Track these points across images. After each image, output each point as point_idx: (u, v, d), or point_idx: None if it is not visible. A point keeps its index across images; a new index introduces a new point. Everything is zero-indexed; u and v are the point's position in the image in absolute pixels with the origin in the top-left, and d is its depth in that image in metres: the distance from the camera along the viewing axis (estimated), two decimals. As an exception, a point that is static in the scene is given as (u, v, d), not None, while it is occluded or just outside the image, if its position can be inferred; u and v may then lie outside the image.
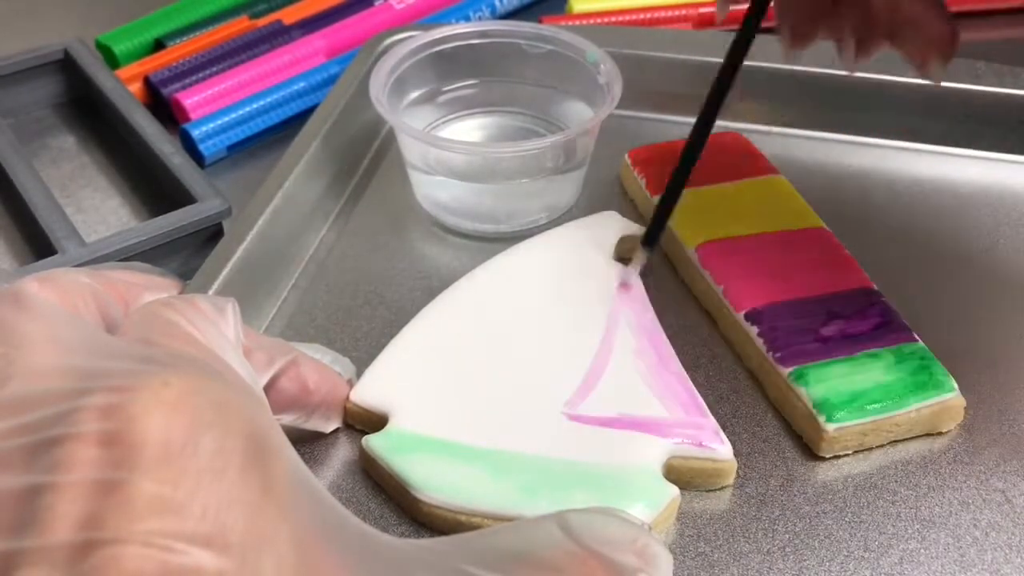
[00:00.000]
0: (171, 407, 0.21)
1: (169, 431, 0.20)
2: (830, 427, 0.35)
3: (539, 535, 0.23)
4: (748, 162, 0.45)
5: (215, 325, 0.27)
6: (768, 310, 0.38)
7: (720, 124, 0.50)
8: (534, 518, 0.24)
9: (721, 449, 0.34)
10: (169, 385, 0.21)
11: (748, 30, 0.37)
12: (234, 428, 0.21)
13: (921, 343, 0.37)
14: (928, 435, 0.36)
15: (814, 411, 0.35)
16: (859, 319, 0.38)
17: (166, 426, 0.20)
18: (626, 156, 0.46)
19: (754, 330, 0.38)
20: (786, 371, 0.36)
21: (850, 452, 0.36)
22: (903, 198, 0.47)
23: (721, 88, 0.38)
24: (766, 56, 0.49)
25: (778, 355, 0.37)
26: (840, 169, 0.48)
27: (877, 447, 0.36)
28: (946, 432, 0.36)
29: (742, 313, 0.38)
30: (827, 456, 0.36)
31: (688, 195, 0.44)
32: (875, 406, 0.35)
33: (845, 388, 0.35)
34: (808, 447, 0.36)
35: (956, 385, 0.36)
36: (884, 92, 0.49)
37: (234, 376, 0.25)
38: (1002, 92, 0.48)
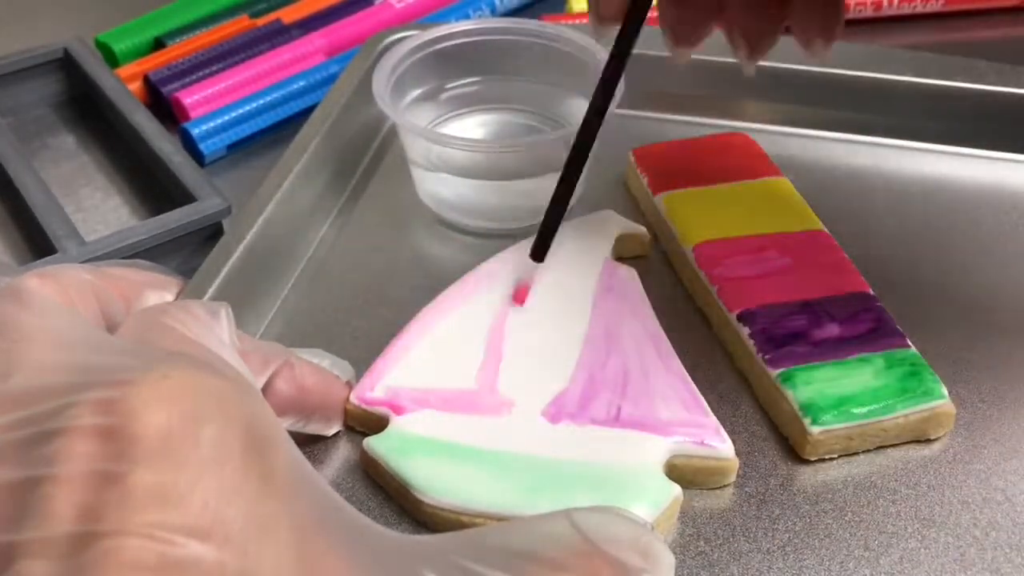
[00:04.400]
0: (170, 400, 0.21)
1: (169, 423, 0.20)
2: (815, 430, 0.35)
3: (543, 532, 0.23)
4: (752, 163, 0.45)
5: (210, 328, 0.27)
6: (761, 312, 0.38)
7: (724, 124, 0.50)
8: (539, 516, 0.24)
9: (723, 448, 0.34)
10: (168, 378, 0.21)
11: (627, 42, 0.35)
12: (233, 420, 0.21)
13: (913, 349, 0.37)
14: (917, 441, 0.36)
15: (800, 413, 0.35)
16: (852, 323, 0.38)
17: (166, 418, 0.20)
18: (630, 154, 0.46)
19: (745, 331, 0.38)
20: (774, 372, 0.36)
21: (836, 456, 0.35)
22: (903, 197, 0.47)
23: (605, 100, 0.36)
24: (768, 56, 0.49)
25: (767, 356, 0.37)
26: (840, 168, 0.48)
27: (875, 449, 0.36)
28: (936, 439, 0.36)
29: (735, 314, 0.38)
30: (812, 459, 0.35)
31: (690, 195, 0.44)
32: (861, 411, 0.35)
33: (832, 392, 0.35)
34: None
35: (946, 392, 0.36)
36: (884, 92, 0.49)
37: (232, 371, 0.25)
38: (1003, 91, 0.48)
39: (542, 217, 0.44)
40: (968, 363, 0.39)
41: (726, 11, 0.34)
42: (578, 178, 0.38)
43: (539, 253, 0.39)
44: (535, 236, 0.39)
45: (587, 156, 0.37)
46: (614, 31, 0.35)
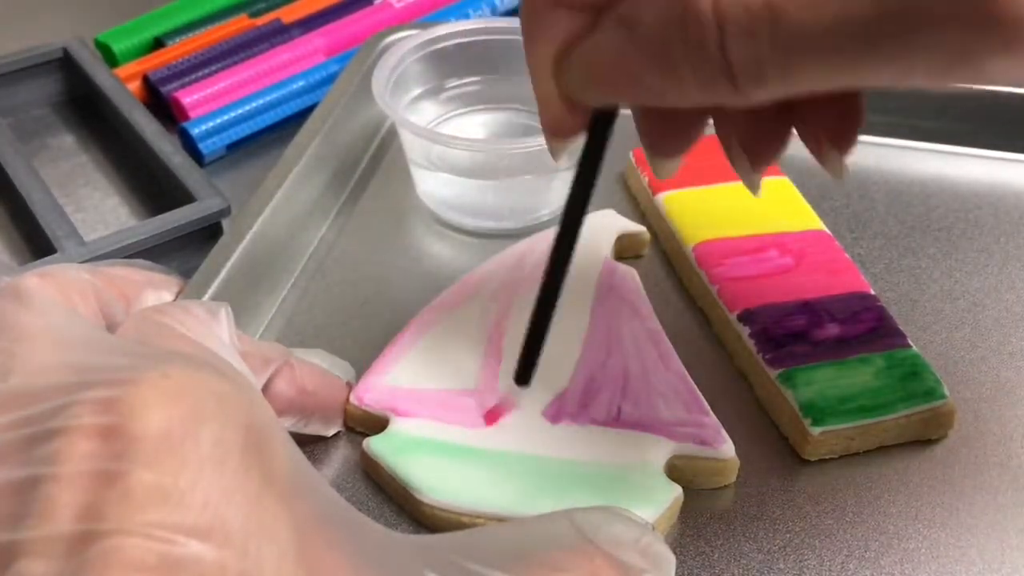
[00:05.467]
0: (170, 399, 0.21)
1: (169, 423, 0.20)
2: (815, 431, 0.35)
3: (543, 532, 0.23)
4: (751, 162, 0.45)
5: (209, 328, 0.27)
6: (760, 312, 0.38)
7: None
8: (539, 516, 0.24)
9: (723, 448, 0.34)
10: (168, 377, 0.21)
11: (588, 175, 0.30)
12: (234, 419, 0.21)
13: (914, 349, 0.37)
14: (918, 441, 0.36)
15: (800, 414, 0.35)
16: (853, 323, 0.38)
17: (166, 418, 0.20)
18: (630, 154, 0.46)
19: (745, 331, 0.38)
20: (774, 373, 0.36)
21: (836, 456, 0.35)
22: (903, 197, 0.47)
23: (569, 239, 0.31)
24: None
25: (768, 356, 0.37)
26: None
27: (875, 448, 0.36)
28: (936, 439, 0.36)
29: (735, 314, 0.38)
30: (812, 459, 0.35)
31: (690, 195, 0.44)
32: (862, 411, 0.35)
33: (832, 392, 0.35)
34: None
35: (947, 393, 0.35)
36: (885, 91, 0.49)
37: (231, 371, 0.25)
38: (1003, 91, 0.48)
39: (541, 217, 0.44)
40: (968, 363, 0.39)
41: (720, 120, 0.29)
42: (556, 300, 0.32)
43: (524, 377, 0.32)
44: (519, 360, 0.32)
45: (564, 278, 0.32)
46: (573, 147, 0.31)
